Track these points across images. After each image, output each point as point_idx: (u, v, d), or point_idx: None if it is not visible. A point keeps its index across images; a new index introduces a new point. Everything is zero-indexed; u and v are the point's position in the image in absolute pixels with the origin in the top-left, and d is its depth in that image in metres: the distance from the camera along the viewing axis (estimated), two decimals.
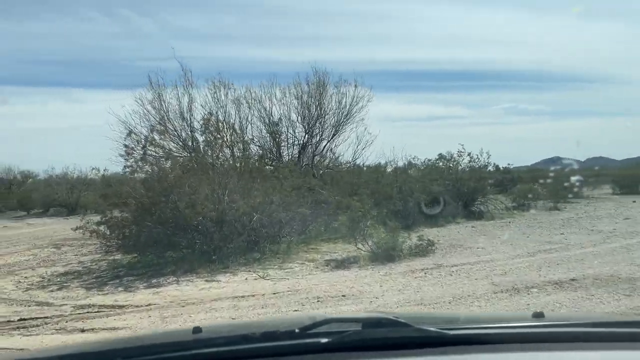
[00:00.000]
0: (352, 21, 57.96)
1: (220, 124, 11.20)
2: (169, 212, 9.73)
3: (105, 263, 10.48)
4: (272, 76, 16.77)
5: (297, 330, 1.28)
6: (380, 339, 1.26)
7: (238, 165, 10.62)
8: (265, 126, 15.90)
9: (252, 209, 10.19)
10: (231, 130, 11.52)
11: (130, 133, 10.20)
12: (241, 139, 11.28)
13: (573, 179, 14.92)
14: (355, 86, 16.48)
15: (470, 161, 16.89)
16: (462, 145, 16.89)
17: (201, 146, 10.18)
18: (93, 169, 32.44)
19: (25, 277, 8.95)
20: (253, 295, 6.89)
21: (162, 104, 14.27)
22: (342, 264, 9.07)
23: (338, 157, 15.97)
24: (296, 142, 16.84)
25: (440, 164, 16.93)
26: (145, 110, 13.84)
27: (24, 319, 6.05)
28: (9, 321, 6.02)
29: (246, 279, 8.26)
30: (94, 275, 9.16)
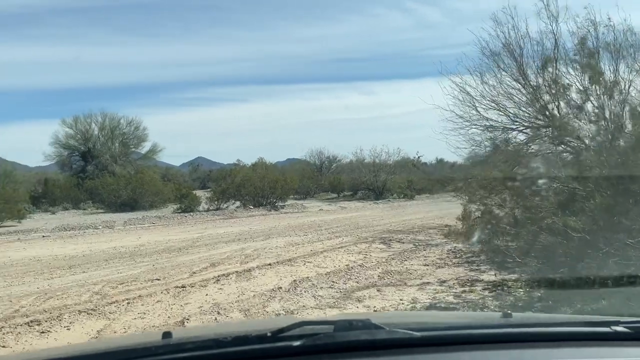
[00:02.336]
0: None
1: None
2: (601, 212, 5.09)
3: (484, 288, 6.40)
4: None
5: (269, 334, 1.25)
6: (352, 341, 1.24)
7: None
8: None
9: None
10: None
11: (547, 62, 5.74)
12: None
13: None
14: None
15: None
16: None
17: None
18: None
19: (368, 307, 5.61)
20: None
21: (518, 43, 9.17)
22: None
23: None
24: None
25: None
26: (492, 62, 8.92)
27: None
28: None
29: None
30: None
